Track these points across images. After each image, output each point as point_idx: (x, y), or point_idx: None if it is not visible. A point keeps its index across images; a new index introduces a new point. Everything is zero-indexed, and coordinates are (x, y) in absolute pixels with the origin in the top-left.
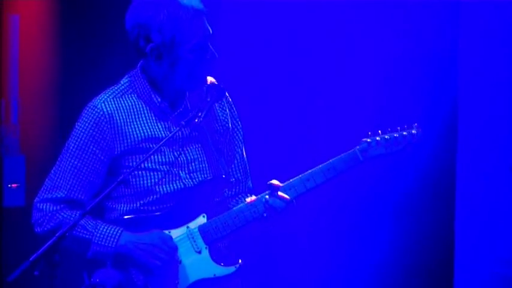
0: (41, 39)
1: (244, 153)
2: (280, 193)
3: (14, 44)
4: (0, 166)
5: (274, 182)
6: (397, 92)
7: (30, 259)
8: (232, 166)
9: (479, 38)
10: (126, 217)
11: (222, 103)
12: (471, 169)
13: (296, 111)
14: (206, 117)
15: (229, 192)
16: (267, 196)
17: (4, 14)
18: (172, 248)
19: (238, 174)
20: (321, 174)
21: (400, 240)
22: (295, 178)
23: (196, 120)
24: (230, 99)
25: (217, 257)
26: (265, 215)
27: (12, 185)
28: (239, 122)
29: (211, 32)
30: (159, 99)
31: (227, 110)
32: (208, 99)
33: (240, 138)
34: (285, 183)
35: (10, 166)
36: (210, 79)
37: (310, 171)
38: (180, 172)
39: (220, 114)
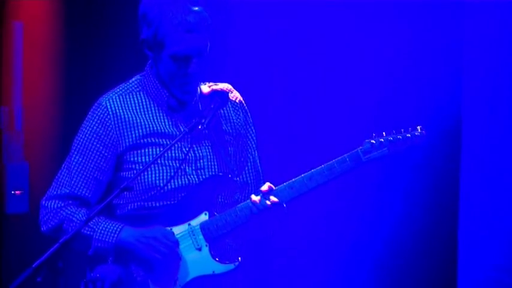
0: (44, 46)
1: (257, 160)
2: (271, 196)
3: (18, 51)
4: (3, 173)
5: (267, 185)
6: (402, 93)
7: (33, 265)
8: (244, 171)
9: (483, 40)
10: (129, 214)
11: (237, 109)
12: (475, 174)
13: (301, 113)
14: (214, 120)
15: (240, 196)
16: (254, 196)
17: (7, 20)
18: (173, 242)
19: (249, 178)
20: (323, 174)
21: (403, 245)
22: (296, 178)
23: (199, 127)
24: (246, 107)
25: (217, 254)
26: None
27: (16, 192)
28: (253, 129)
29: (203, 49)
30: (167, 94)
31: (241, 115)
32: (212, 106)
33: (253, 145)
34: (286, 183)
35: (14, 173)
36: (222, 86)
37: (312, 171)
38: (187, 168)
39: (234, 118)
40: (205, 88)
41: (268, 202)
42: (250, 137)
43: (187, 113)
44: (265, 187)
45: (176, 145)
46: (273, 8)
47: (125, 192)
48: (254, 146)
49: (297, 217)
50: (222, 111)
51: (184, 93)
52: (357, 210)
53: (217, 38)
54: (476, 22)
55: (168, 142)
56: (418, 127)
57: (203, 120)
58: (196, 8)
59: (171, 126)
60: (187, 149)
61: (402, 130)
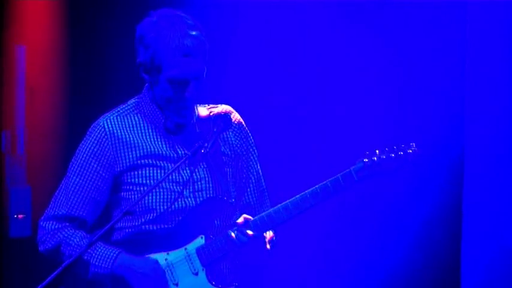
0: (47, 70)
1: (261, 179)
2: (246, 231)
3: (20, 74)
4: (6, 197)
5: (242, 217)
6: (403, 100)
7: None
8: (246, 192)
9: (487, 42)
10: (128, 239)
11: (236, 130)
12: (479, 180)
13: (299, 127)
14: (214, 145)
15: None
16: (231, 232)
17: (11, 44)
18: (160, 276)
19: (251, 199)
20: (317, 195)
21: (405, 249)
22: (291, 199)
23: (202, 151)
24: (245, 126)
25: (214, 278)
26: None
27: (19, 216)
28: (255, 150)
29: (200, 73)
30: (164, 117)
31: (240, 137)
32: (215, 130)
33: (255, 165)
34: (281, 205)
35: (16, 197)
36: (222, 108)
37: (306, 191)
38: (184, 191)
39: (233, 139)
40: (204, 111)
41: (244, 237)
42: (251, 157)
43: (184, 136)
44: (240, 220)
45: (172, 167)
46: (269, 21)
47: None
48: (256, 166)
49: (295, 233)
50: None
51: (180, 117)
52: (358, 218)
53: (215, 52)
54: (480, 23)
55: (165, 164)
56: (412, 144)
57: (206, 144)
58: (194, 33)
59: (168, 148)
60: (184, 171)
61: (395, 147)
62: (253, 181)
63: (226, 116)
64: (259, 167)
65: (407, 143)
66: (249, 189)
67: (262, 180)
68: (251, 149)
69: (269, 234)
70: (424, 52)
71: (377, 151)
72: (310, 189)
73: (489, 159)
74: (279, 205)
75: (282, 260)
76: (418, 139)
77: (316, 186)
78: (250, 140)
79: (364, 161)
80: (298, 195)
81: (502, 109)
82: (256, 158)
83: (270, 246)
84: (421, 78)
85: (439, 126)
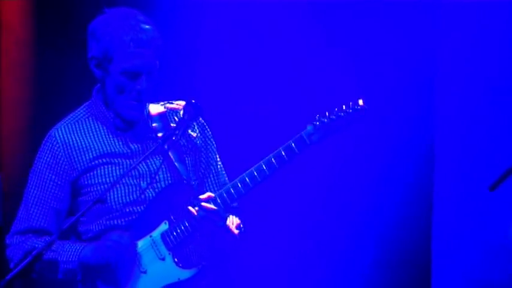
0: (20, 43)
1: (220, 171)
2: (204, 204)
3: None
4: None
5: (207, 194)
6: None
7: (7, 278)
8: (207, 183)
9: (458, 41)
10: (93, 237)
11: (193, 123)
12: (448, 188)
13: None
14: (169, 134)
15: None
16: (191, 209)
17: None
18: (125, 235)
19: (212, 191)
20: (271, 164)
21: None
22: (247, 171)
23: (173, 138)
24: (203, 120)
25: (181, 261)
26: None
27: None
28: (213, 142)
29: (152, 67)
30: (112, 116)
31: (197, 129)
32: (185, 117)
33: (214, 157)
34: (239, 177)
35: None
36: (178, 103)
37: (261, 162)
38: (141, 183)
39: (191, 132)
40: (157, 108)
41: (202, 212)
42: (210, 150)
43: (136, 131)
44: (203, 196)
45: (128, 162)
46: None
47: (85, 218)
48: (215, 157)
49: (265, 218)
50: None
51: (131, 110)
52: (330, 211)
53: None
54: (450, 23)
55: (120, 161)
56: (360, 100)
57: (177, 132)
58: (147, 27)
59: (121, 145)
60: (140, 164)
61: (344, 107)
62: (214, 173)
63: (196, 104)
64: (218, 159)
65: (355, 100)
66: (209, 180)
67: (223, 172)
68: (209, 142)
69: (236, 221)
70: (394, 45)
71: (327, 113)
72: (264, 159)
73: (459, 152)
74: (236, 179)
75: (252, 247)
76: (365, 96)
77: (270, 155)
78: (208, 132)
79: (315, 124)
80: (253, 167)
81: (472, 103)
82: (215, 150)
83: (238, 232)
84: (391, 73)
85: (409, 118)
